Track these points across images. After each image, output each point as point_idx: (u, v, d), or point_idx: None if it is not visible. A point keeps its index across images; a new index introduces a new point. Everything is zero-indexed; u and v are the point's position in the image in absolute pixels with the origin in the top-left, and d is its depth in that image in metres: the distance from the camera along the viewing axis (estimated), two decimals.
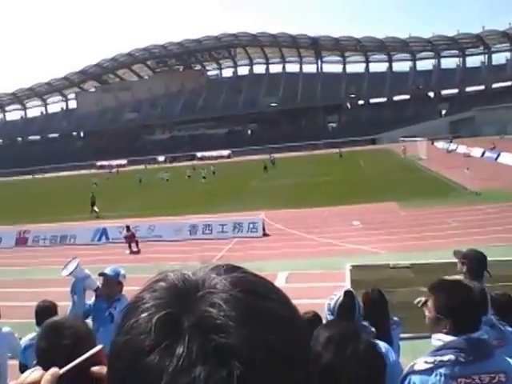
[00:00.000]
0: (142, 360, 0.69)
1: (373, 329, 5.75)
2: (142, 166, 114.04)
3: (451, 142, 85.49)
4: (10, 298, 15.64)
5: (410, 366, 3.47)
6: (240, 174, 65.39)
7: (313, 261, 19.45)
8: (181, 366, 0.67)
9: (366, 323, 5.72)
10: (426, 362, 3.29)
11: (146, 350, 0.70)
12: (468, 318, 3.31)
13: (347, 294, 4.58)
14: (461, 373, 3.18)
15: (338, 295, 4.60)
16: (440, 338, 3.35)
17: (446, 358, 3.21)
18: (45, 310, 6.52)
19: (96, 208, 40.04)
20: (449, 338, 3.29)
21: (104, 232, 28.94)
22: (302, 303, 4.79)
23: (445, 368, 3.20)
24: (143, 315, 0.74)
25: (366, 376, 2.10)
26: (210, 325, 0.70)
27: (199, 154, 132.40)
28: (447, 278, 4.79)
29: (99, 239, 28.71)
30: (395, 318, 6.02)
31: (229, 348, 0.68)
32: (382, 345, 4.06)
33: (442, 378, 3.18)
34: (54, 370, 0.90)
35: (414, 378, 3.29)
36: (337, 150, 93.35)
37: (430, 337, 3.54)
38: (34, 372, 0.92)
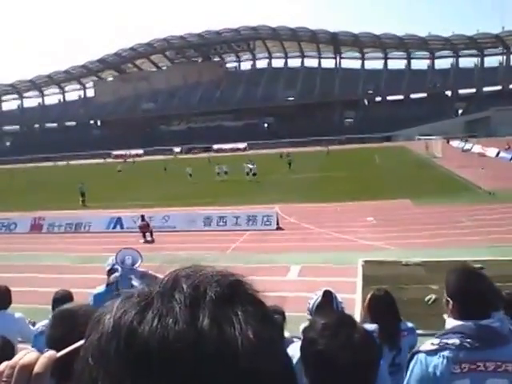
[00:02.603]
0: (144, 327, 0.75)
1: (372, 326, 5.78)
2: (161, 157, 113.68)
3: (467, 141, 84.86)
4: (23, 284, 15.79)
5: (417, 346, 3.57)
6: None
7: (326, 255, 19.47)
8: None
9: (373, 326, 5.76)
10: (432, 344, 3.33)
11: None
12: (471, 303, 3.31)
13: (326, 294, 4.56)
14: (465, 358, 3.21)
15: (318, 295, 4.59)
16: (450, 323, 3.40)
17: (450, 341, 3.26)
18: (62, 299, 6.57)
19: (80, 198, 40.73)
20: (457, 323, 3.33)
21: (119, 221, 29.11)
22: None
23: (448, 351, 3.24)
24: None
25: (359, 364, 2.09)
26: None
27: (215, 147, 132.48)
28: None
29: (114, 228, 28.92)
30: (409, 325, 5.84)
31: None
32: None
33: (445, 361, 3.23)
34: (50, 353, 0.89)
35: (420, 356, 3.35)
36: (325, 148, 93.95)
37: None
38: (29, 354, 0.89)
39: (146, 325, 0.73)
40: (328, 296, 4.50)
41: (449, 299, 3.43)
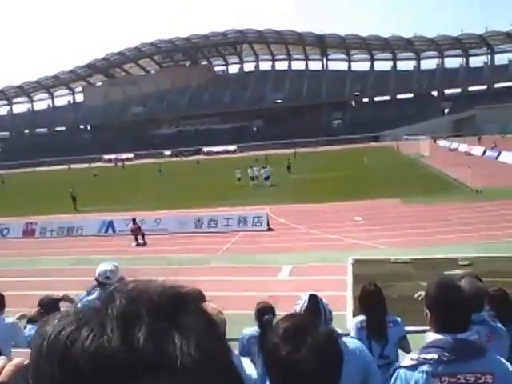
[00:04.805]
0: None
1: (361, 320, 6.04)
2: (150, 160, 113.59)
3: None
4: (16, 288, 15.95)
5: (398, 362, 3.70)
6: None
7: (316, 255, 19.69)
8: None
9: (363, 317, 6.05)
10: (412, 359, 3.40)
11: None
12: (448, 316, 3.38)
13: (311, 298, 4.69)
14: (444, 371, 3.26)
15: (304, 300, 4.72)
16: (430, 336, 3.44)
17: (429, 356, 3.31)
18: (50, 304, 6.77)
19: (72, 202, 41.05)
20: (437, 337, 3.37)
21: (111, 224, 29.25)
22: None
23: (427, 366, 3.29)
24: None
25: (321, 368, 2.08)
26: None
27: (205, 149, 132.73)
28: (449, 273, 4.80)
29: (106, 231, 29.09)
30: (397, 318, 6.06)
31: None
32: (352, 342, 4.21)
33: (425, 376, 3.28)
34: (18, 360, 0.87)
35: (401, 372, 3.44)
36: (292, 150, 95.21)
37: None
38: None
39: (79, 343, 0.71)
40: (314, 300, 4.59)
41: (427, 311, 3.50)
